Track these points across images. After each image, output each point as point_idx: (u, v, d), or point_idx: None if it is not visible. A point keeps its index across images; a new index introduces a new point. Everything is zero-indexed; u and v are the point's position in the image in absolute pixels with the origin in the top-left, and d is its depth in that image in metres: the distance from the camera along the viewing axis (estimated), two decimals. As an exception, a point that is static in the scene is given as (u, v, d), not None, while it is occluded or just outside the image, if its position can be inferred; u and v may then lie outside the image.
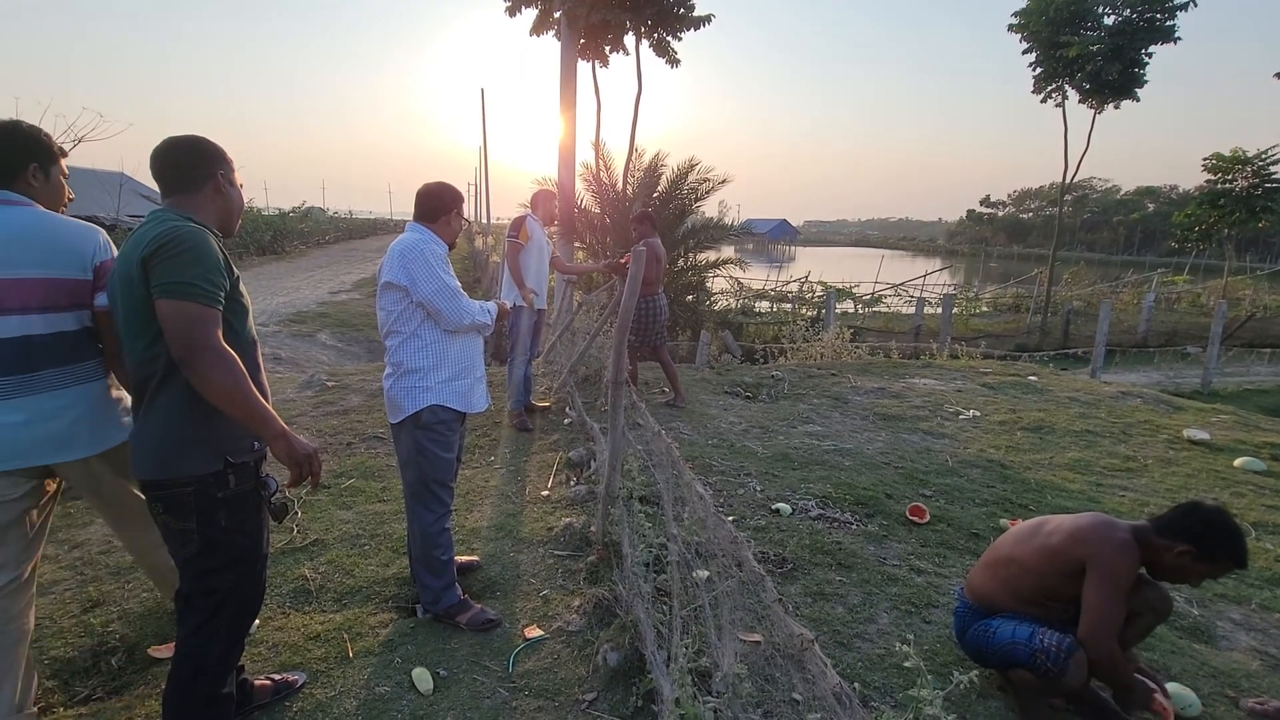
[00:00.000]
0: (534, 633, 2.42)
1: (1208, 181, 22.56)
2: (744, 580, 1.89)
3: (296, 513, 3.32)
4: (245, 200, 1.83)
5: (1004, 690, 2.16)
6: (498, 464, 4.15)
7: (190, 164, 1.63)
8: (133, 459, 1.60)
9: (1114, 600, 1.86)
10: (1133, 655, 2.09)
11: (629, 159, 11.29)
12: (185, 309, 1.44)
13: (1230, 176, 21.76)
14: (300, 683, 2.12)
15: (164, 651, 2.29)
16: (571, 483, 3.80)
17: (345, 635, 2.39)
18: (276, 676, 2.11)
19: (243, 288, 1.68)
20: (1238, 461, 4.58)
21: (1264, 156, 21.15)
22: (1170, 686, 2.16)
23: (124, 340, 1.57)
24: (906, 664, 1.21)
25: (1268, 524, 3.64)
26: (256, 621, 2.43)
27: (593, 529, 3.05)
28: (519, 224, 4.71)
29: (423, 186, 2.41)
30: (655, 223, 5.61)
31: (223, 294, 1.52)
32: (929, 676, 1.21)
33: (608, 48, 12.48)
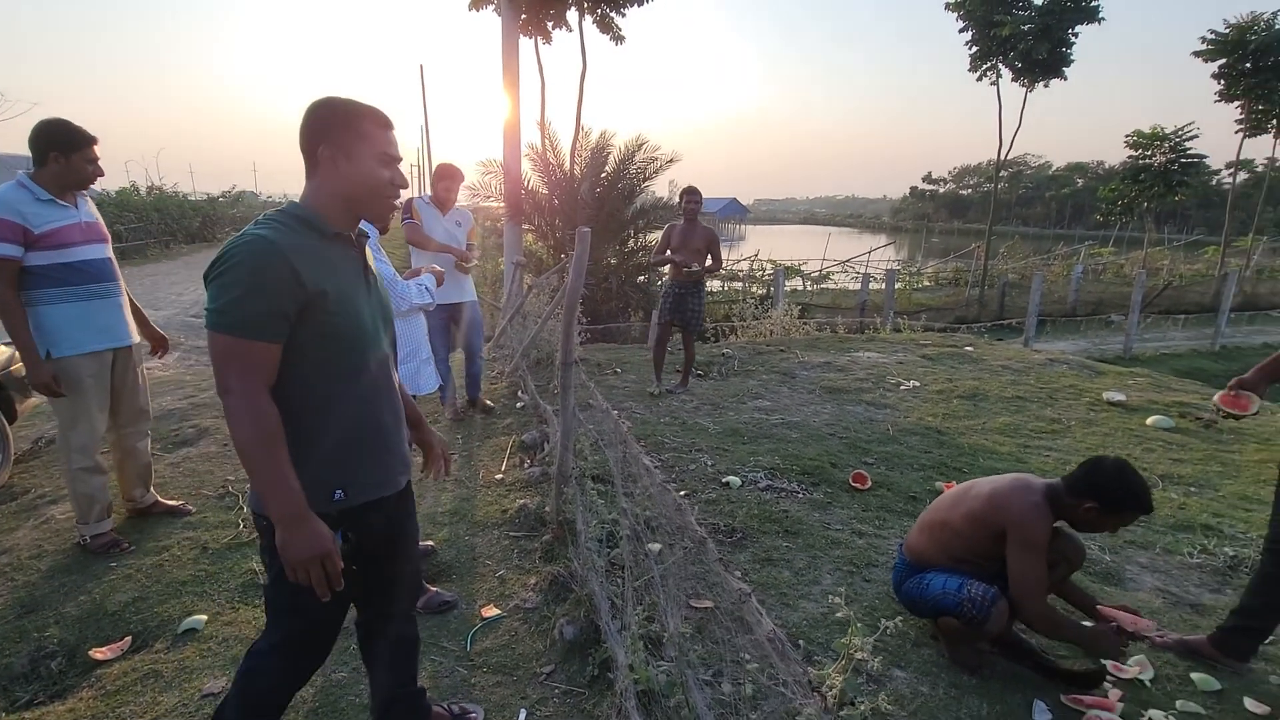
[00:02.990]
0: (491, 612, 2.46)
1: (1130, 157, 23.80)
2: (692, 549, 1.97)
3: (242, 507, 3.25)
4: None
5: (936, 639, 2.32)
6: (449, 450, 4.13)
7: (304, 136, 1.32)
8: None
9: (1033, 561, 2.01)
10: (1078, 589, 2.26)
11: (575, 138, 11.18)
12: (213, 341, 1.23)
13: (1150, 152, 23.01)
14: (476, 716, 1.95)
15: (105, 653, 2.24)
16: (526, 465, 3.82)
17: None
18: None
19: (342, 301, 1.32)
20: (1150, 420, 4.94)
21: (1180, 133, 22.43)
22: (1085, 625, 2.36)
23: None
24: (838, 614, 1.30)
25: (1173, 475, 3.95)
26: (204, 617, 2.40)
27: (547, 509, 3.09)
28: (407, 206, 4.17)
29: None
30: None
31: (275, 321, 1.24)
32: (858, 625, 1.31)
33: (550, 23, 12.27)
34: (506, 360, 6.17)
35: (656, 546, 2.59)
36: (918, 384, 5.88)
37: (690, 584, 2.50)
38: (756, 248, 24.85)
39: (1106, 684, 2.14)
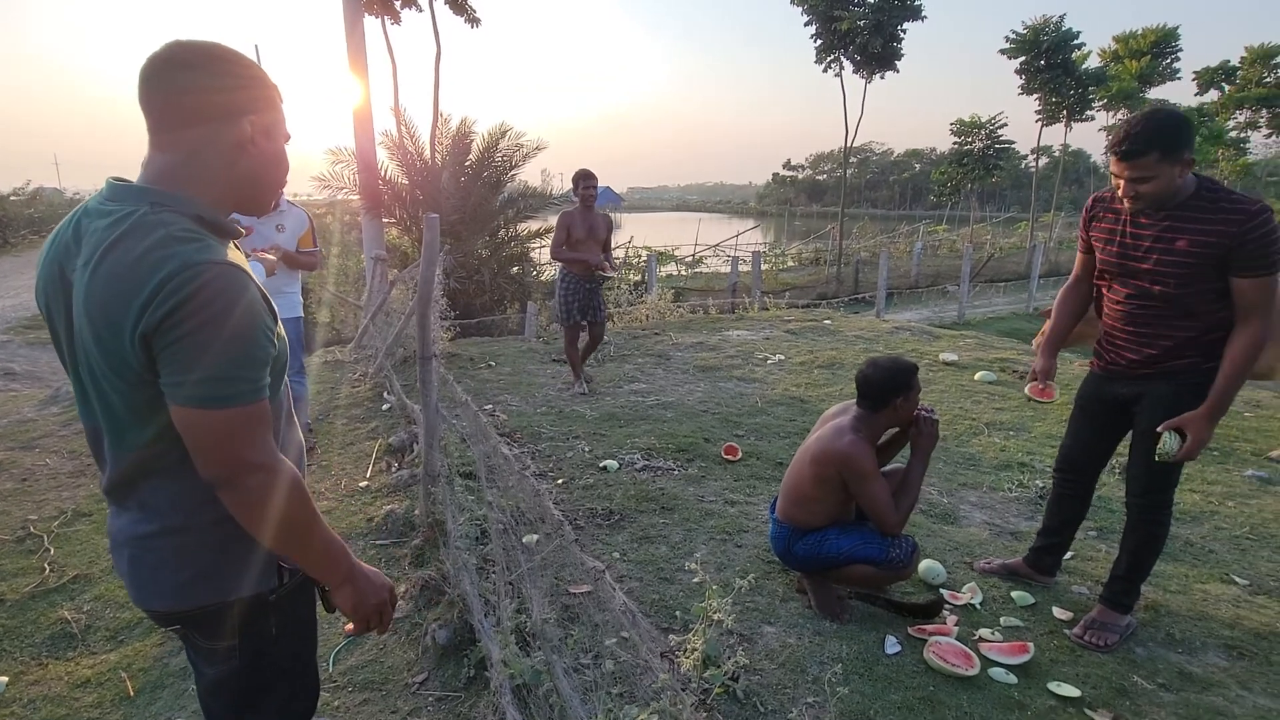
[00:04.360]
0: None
1: (955, 143, 26.56)
2: (564, 536, 1.95)
3: (49, 549, 2.81)
4: None
5: (801, 592, 2.47)
6: (305, 461, 3.81)
7: (210, 94, 0.99)
8: (132, 583, 1.10)
9: (874, 487, 2.22)
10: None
11: (434, 126, 10.65)
12: (221, 420, 0.93)
13: (970, 139, 25.82)
14: None
15: None
16: (393, 469, 3.62)
17: (124, 674, 2.09)
18: None
19: (277, 319, 1.09)
20: (977, 375, 5.56)
21: (994, 121, 25.34)
22: (923, 564, 2.60)
23: (100, 411, 1.02)
24: (695, 580, 1.33)
25: (996, 422, 4.48)
26: (4, 679, 2.06)
27: (417, 512, 2.94)
28: None
29: None
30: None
31: (267, 370, 1.00)
32: (714, 588, 1.34)
33: (398, 2, 11.58)
34: (370, 360, 5.79)
35: (534, 537, 2.55)
36: (783, 358, 6.22)
37: (569, 571, 2.49)
38: (630, 235, 25.14)
39: (945, 612, 2.38)
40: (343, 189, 10.29)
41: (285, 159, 1.11)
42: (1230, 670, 2.16)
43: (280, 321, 1.09)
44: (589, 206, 4.87)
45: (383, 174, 9.91)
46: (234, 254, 1.03)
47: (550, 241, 4.86)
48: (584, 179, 4.84)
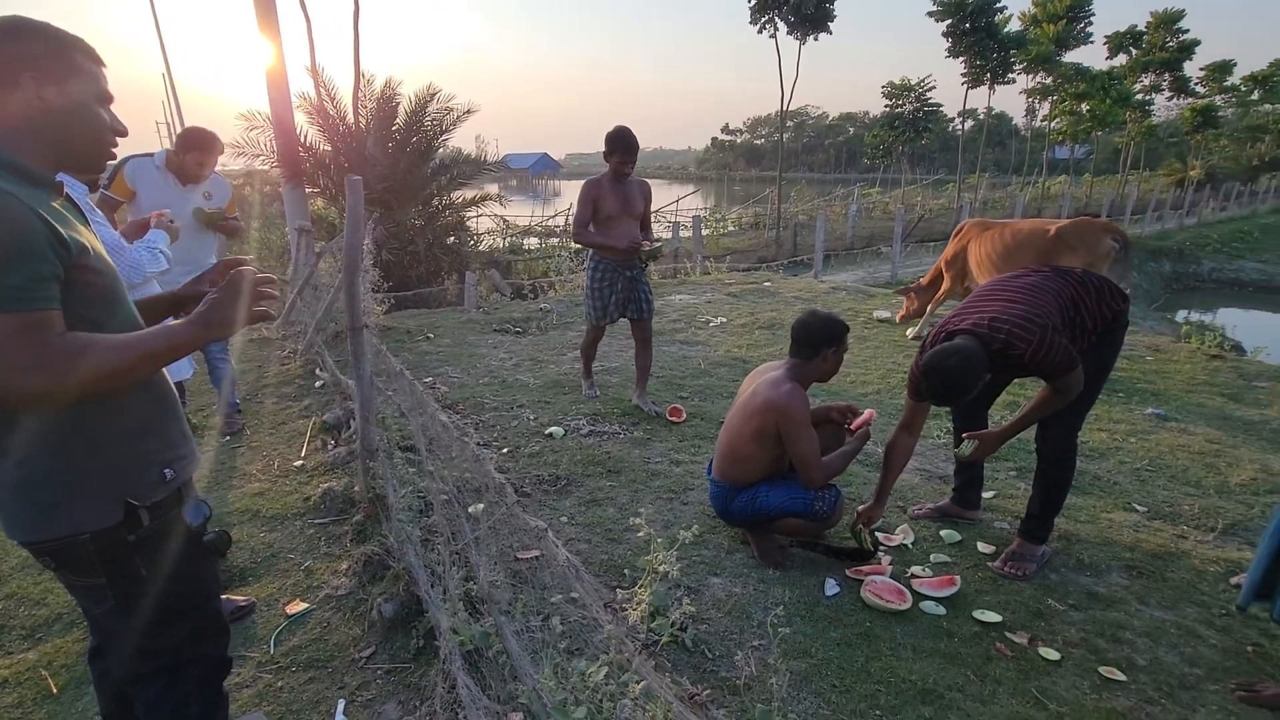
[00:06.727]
0: (297, 608, 2.25)
1: (886, 106, 27.09)
2: (506, 499, 1.93)
3: (-54, 549, 2.60)
4: None
5: (746, 544, 2.55)
6: (234, 443, 3.65)
7: None
8: (2, 518, 1.15)
9: (805, 438, 2.32)
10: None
11: (356, 86, 10.05)
12: None
13: (900, 102, 26.36)
14: None
15: None
16: (329, 447, 3.50)
17: (45, 672, 1.98)
18: None
19: (101, 257, 1.13)
20: (909, 332, 5.78)
21: (923, 84, 25.92)
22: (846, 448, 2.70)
23: None
24: (640, 535, 1.35)
25: (926, 375, 4.69)
26: None
27: (356, 488, 2.87)
28: (115, 173, 3.18)
29: None
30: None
31: (48, 284, 1.00)
32: (658, 540, 1.37)
33: (310, -46, 10.78)
34: (300, 337, 5.54)
35: (480, 506, 2.52)
36: (725, 320, 6.30)
37: (517, 537, 2.48)
38: (571, 201, 24.71)
39: (880, 553, 2.51)
40: (259, 156, 9.67)
41: (93, 115, 1.14)
42: (1130, 588, 2.37)
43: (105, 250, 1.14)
44: (622, 178, 3.70)
45: (302, 139, 9.35)
46: (59, 200, 1.11)
47: (574, 218, 3.79)
48: (622, 149, 3.58)
